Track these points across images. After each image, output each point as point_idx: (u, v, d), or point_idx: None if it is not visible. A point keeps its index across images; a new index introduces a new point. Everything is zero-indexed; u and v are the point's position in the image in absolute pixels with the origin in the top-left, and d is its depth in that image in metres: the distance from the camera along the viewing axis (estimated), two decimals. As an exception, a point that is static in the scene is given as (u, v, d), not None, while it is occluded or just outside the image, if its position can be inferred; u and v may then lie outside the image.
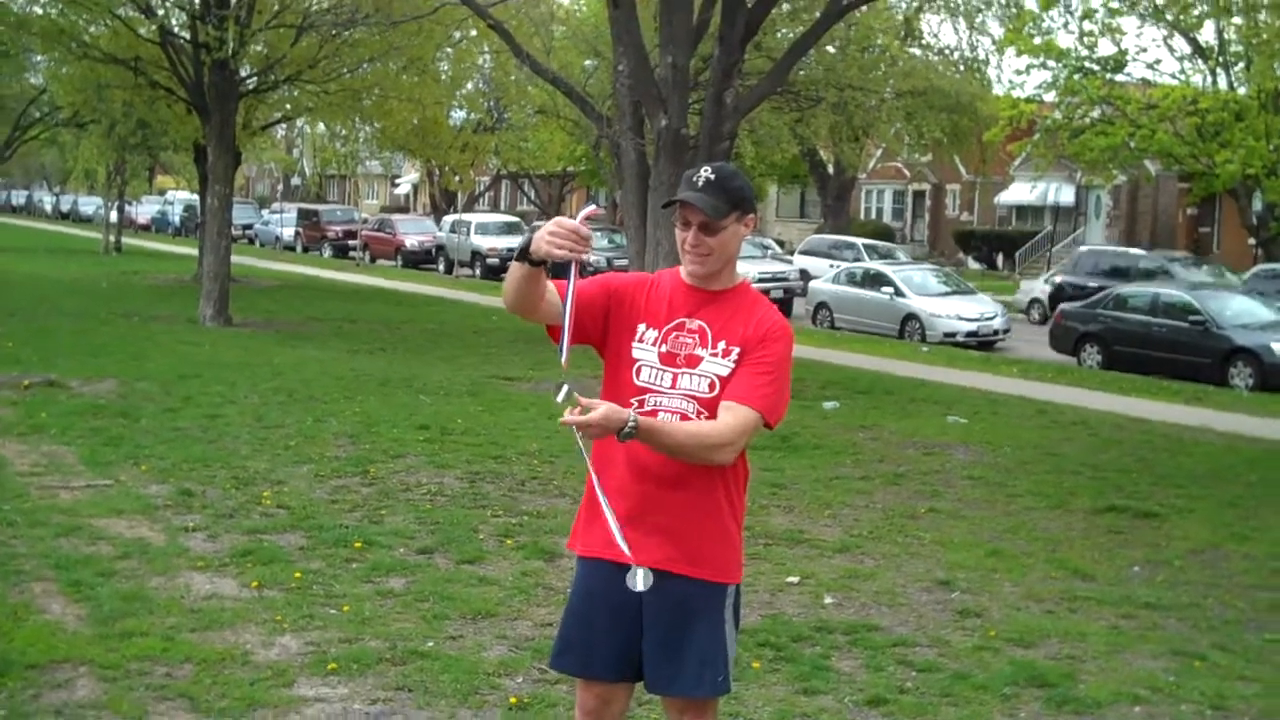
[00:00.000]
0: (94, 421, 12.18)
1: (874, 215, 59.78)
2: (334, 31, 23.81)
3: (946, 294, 27.84)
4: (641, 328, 3.93)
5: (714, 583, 3.94)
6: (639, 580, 3.73)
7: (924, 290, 27.71)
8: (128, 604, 6.84)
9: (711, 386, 3.84)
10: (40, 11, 24.83)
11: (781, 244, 47.49)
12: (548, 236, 3.63)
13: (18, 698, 5.57)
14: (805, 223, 59.67)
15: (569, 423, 3.57)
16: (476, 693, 5.92)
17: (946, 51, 33.89)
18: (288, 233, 55.08)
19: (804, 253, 38.10)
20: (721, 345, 3.86)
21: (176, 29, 24.12)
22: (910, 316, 26.98)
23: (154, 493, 9.49)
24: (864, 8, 21.81)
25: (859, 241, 38.21)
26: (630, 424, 3.62)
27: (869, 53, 25.81)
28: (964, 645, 6.96)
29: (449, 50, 29.30)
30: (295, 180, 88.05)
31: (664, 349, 3.90)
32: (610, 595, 3.92)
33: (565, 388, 3.59)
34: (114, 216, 48.21)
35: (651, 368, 3.90)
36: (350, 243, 49.06)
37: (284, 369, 16.53)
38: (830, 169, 44.18)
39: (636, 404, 3.85)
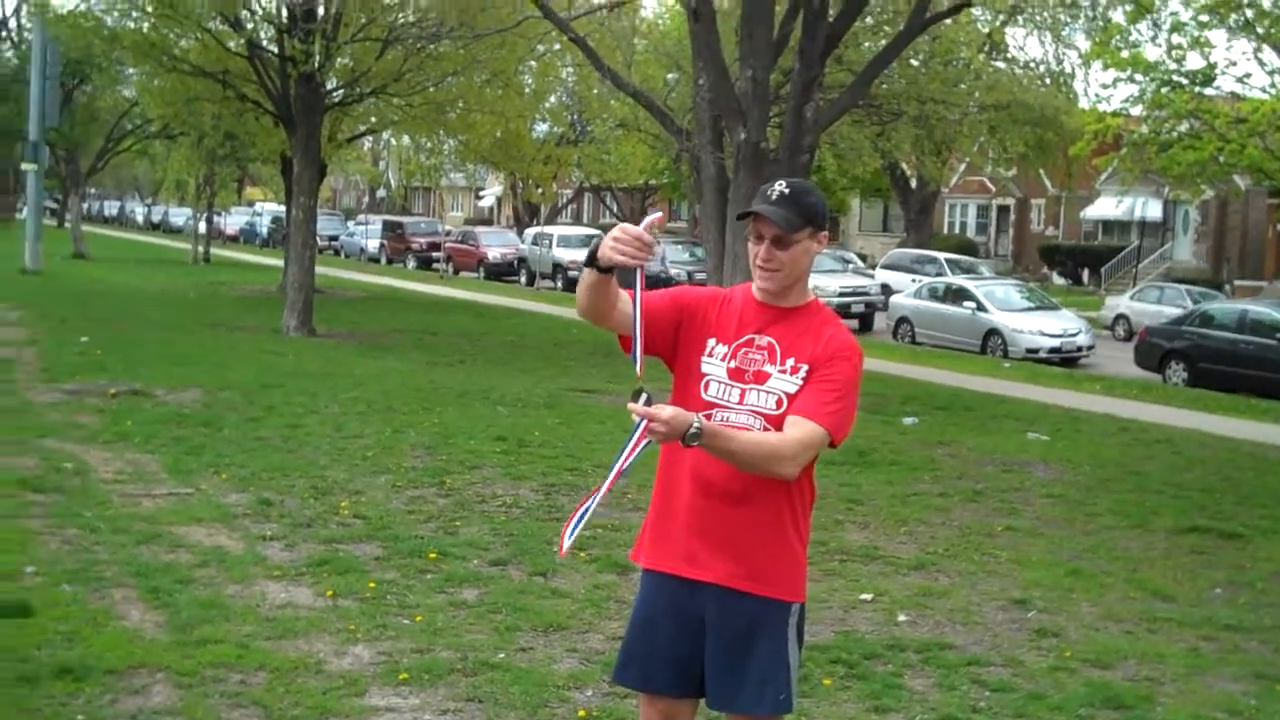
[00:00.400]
0: (177, 430, 12.36)
1: (957, 230, 59.34)
2: (419, 45, 24.03)
3: (1030, 309, 27.60)
4: (711, 342, 3.92)
5: (777, 600, 3.90)
6: (642, 399, 3.54)
7: (1007, 305, 27.49)
8: (205, 611, 6.93)
9: (779, 403, 3.82)
10: (132, 26, 25.21)
11: (864, 258, 47.26)
12: (611, 242, 3.63)
13: (95, 703, 5.65)
14: (888, 237, 59.38)
15: (637, 411, 3.55)
16: (546, 705, 5.93)
17: (1032, 65, 33.56)
18: (372, 244, 55.63)
19: (886, 267, 37.92)
20: (790, 362, 3.85)
21: (264, 43, 24.44)
22: (992, 332, 26.78)
23: (233, 501, 9.61)
24: (948, 21, 21.67)
25: (941, 256, 37.97)
26: (695, 426, 3.58)
27: (952, 66, 25.60)
28: (1039, 665, 6.88)
29: (532, 64, 29.46)
30: (381, 192, 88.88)
31: (733, 364, 3.88)
32: (674, 609, 3.92)
33: (644, 395, 3.58)
34: (202, 227, 48.91)
35: (720, 383, 3.88)
36: (434, 254, 49.46)
37: (365, 380, 16.68)
38: (913, 183, 43.95)
39: (704, 418, 3.78)
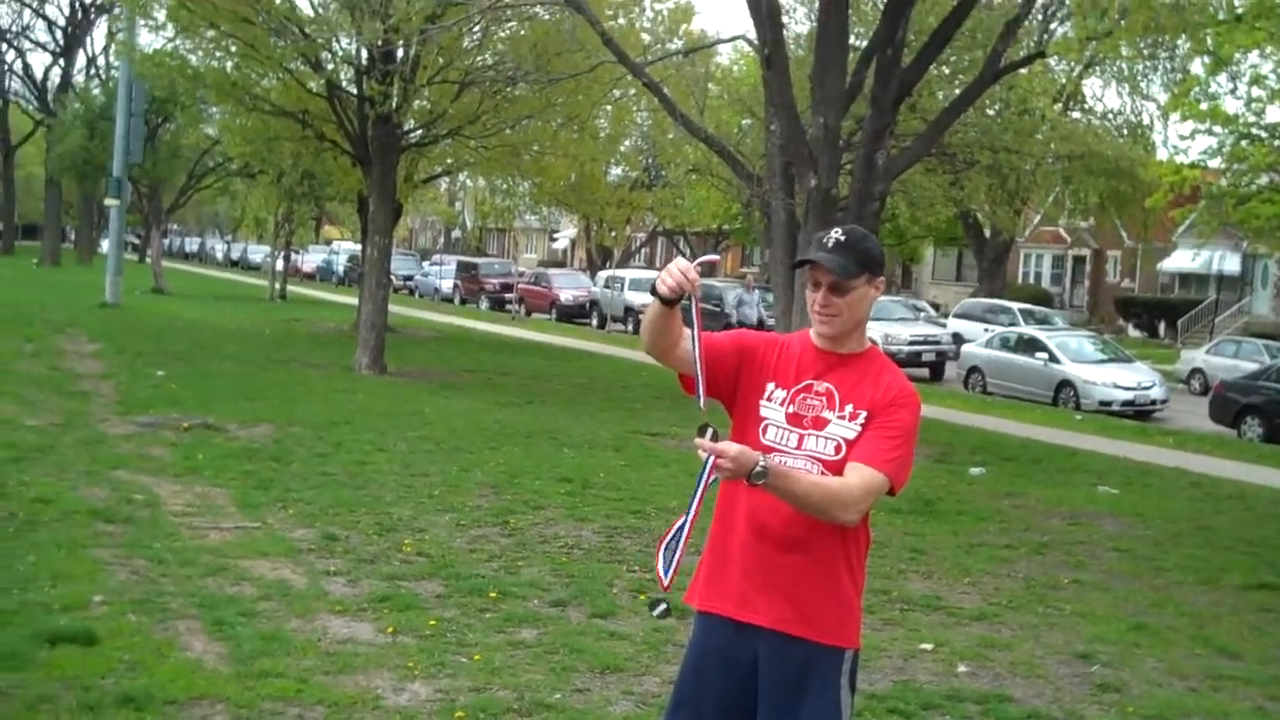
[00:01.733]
0: (247, 465, 12.51)
1: (1032, 280, 58.96)
2: (495, 88, 24.28)
3: (1103, 361, 27.35)
4: (770, 387, 3.93)
5: (830, 646, 3.88)
6: (658, 609, 3.71)
7: (1079, 357, 27.25)
8: (266, 644, 7.00)
9: (837, 449, 3.82)
10: (215, 65, 25.67)
11: (937, 307, 47.07)
12: (662, 276, 3.71)
13: (154, 731, 5.73)
14: (961, 286, 59.08)
15: (704, 446, 3.57)
16: (599, 747, 5.94)
17: (1109, 116, 33.43)
18: (446, 284, 56.06)
19: (959, 316, 37.75)
20: (849, 409, 3.86)
21: (343, 84, 24.79)
22: (1065, 383, 26.55)
23: (299, 536, 9.71)
24: (1022, 70, 21.63)
25: (1014, 306, 37.74)
26: (760, 465, 3.59)
27: (1027, 116, 25.51)
28: (1100, 721, 6.81)
29: (607, 108, 29.68)
30: (456, 233, 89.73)
31: (791, 410, 3.89)
32: (725, 652, 3.91)
33: (710, 429, 3.59)
34: (280, 265, 49.53)
35: (778, 428, 3.89)
36: (507, 295, 49.77)
37: (433, 418, 16.80)
38: (987, 232, 43.75)
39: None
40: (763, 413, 3.92)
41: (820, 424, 3.86)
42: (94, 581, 8.00)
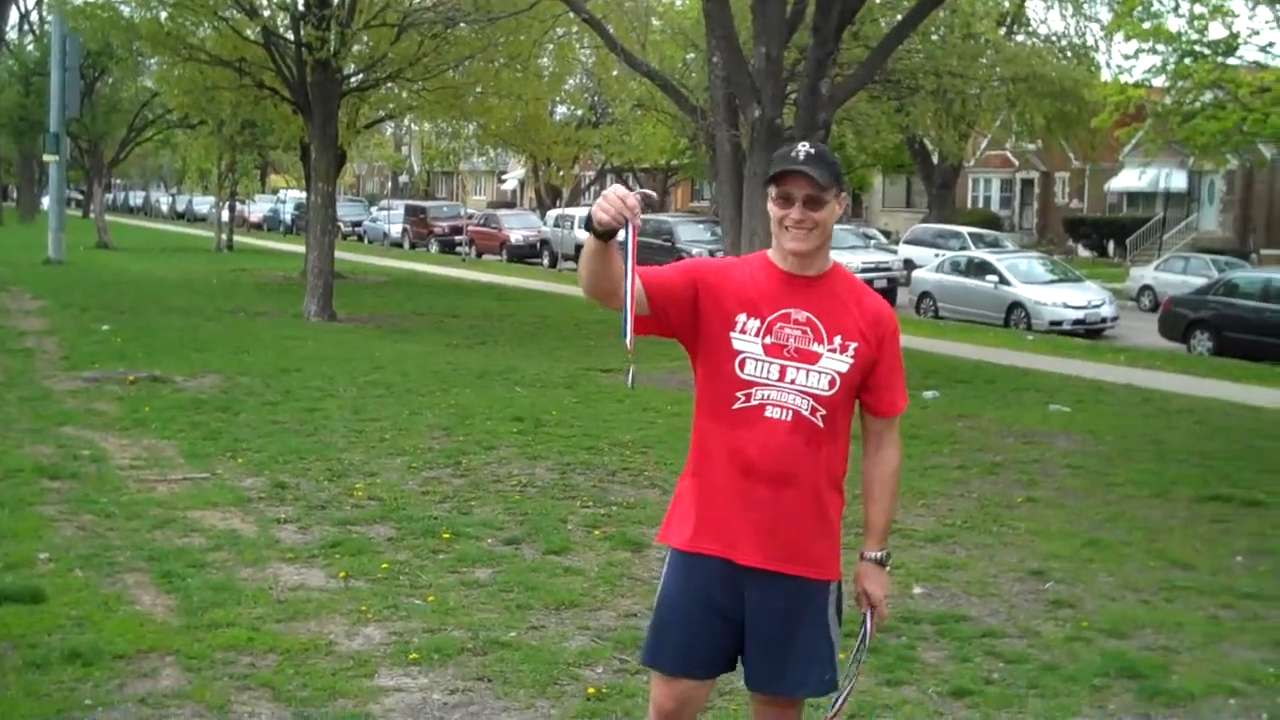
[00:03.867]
0: (195, 416, 12.38)
1: (981, 204, 59.06)
2: (434, 29, 23.98)
3: (1053, 282, 27.48)
4: (742, 318, 3.80)
5: (819, 580, 3.86)
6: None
7: (1030, 278, 27.37)
8: (216, 595, 6.92)
9: (831, 384, 3.77)
10: (149, 16, 25.22)
11: (888, 234, 47.12)
12: (600, 202, 3.59)
13: (103, 687, 5.65)
14: (911, 212, 59.17)
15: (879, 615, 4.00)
16: (555, 683, 5.91)
17: (1053, 38, 33.39)
18: (395, 229, 55.67)
19: (909, 242, 37.81)
20: (838, 340, 3.80)
21: (280, 30, 24.41)
22: (1015, 305, 26.67)
23: (249, 485, 9.62)
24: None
25: (964, 230, 37.83)
26: (881, 554, 4.00)
27: (971, 40, 25.43)
28: (1055, 636, 6.83)
29: (550, 46, 29.39)
30: (403, 177, 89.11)
31: (769, 340, 3.78)
32: (714, 593, 3.84)
33: (632, 371, 3.57)
34: (225, 215, 49.01)
35: (756, 360, 3.78)
36: (456, 238, 49.47)
37: (383, 363, 16.69)
38: (935, 158, 43.76)
39: (743, 397, 3.78)
40: (736, 345, 3.80)
41: (810, 357, 3.77)
42: (40, 539, 7.90)
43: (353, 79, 25.55)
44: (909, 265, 33.10)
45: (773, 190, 3.79)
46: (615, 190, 3.58)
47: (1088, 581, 7.89)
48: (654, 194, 4.32)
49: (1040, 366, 19.28)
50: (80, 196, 78.22)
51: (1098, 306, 26.37)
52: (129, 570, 7.36)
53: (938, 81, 24.35)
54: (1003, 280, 27.14)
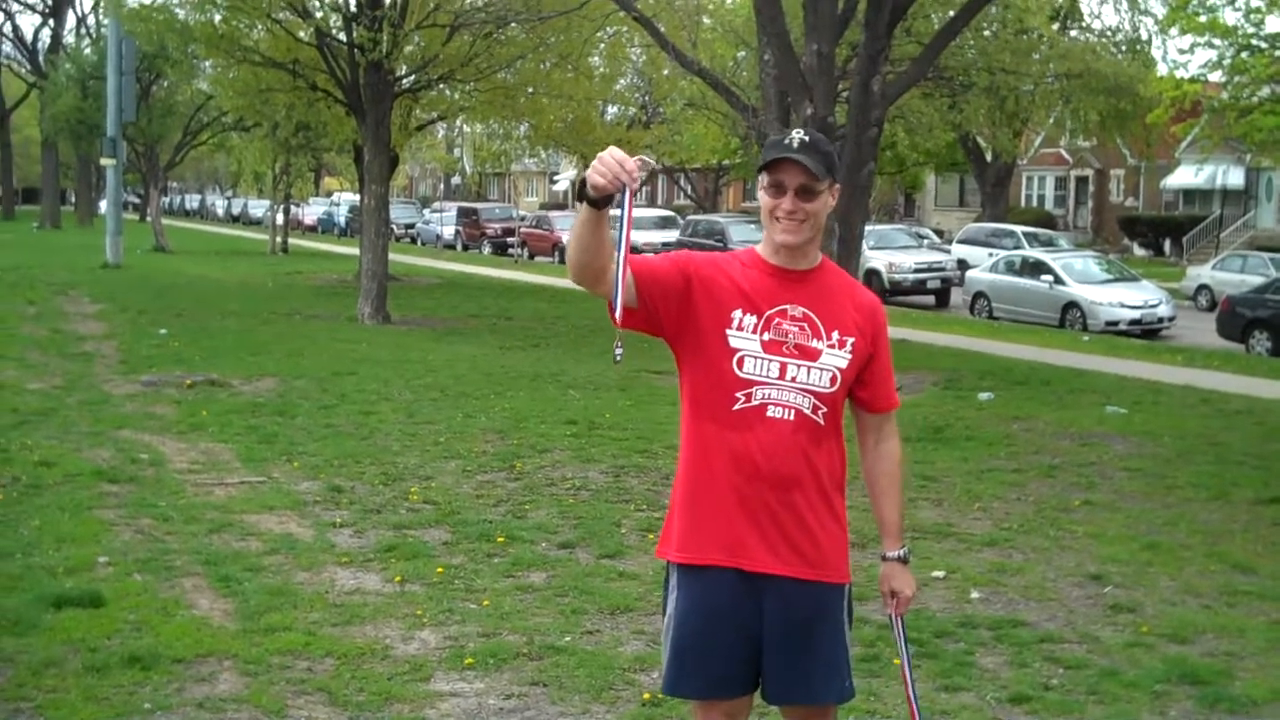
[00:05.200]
0: (252, 419, 12.46)
1: (1035, 202, 58.64)
2: (486, 30, 24.03)
3: (1109, 281, 27.23)
4: (738, 314, 3.66)
5: (833, 584, 3.75)
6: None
7: (1085, 278, 27.13)
8: (273, 599, 6.97)
9: (833, 380, 3.68)
10: (204, 18, 25.41)
11: (940, 233, 46.87)
12: (595, 164, 3.37)
13: (162, 690, 5.69)
14: (964, 211, 58.86)
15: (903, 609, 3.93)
16: (610, 688, 5.90)
17: (1107, 33, 33.09)
18: (448, 231, 55.88)
19: (962, 241, 37.56)
20: (835, 335, 3.70)
21: (333, 31, 24.54)
22: (1071, 305, 26.45)
23: (305, 489, 9.67)
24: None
25: (1018, 229, 37.53)
26: (903, 552, 3.90)
27: (1024, 36, 25.24)
28: (1115, 641, 6.75)
29: (601, 46, 29.40)
30: (456, 179, 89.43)
31: (766, 336, 3.66)
32: (729, 606, 3.69)
33: (620, 349, 3.47)
34: (280, 218, 49.36)
35: (755, 357, 3.65)
36: (509, 240, 49.60)
37: (437, 366, 16.74)
38: (988, 156, 43.48)
39: (743, 397, 3.65)
40: (734, 343, 3.66)
41: (811, 354, 3.67)
42: (99, 543, 7.96)
43: (405, 80, 25.65)
44: (962, 265, 32.88)
45: (764, 179, 3.67)
46: (613, 152, 3.39)
47: (1148, 586, 7.80)
48: (654, 160, 4.17)
49: (1096, 367, 19.10)
50: (137, 200, 79.13)
51: (1154, 306, 26.11)
52: (187, 574, 7.42)
53: (991, 78, 24.20)
54: (1058, 280, 26.93)
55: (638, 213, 46.58)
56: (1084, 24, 37.13)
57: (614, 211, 3.51)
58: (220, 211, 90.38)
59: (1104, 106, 34.38)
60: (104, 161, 37.97)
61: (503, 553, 8.05)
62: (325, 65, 24.12)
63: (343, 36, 24.13)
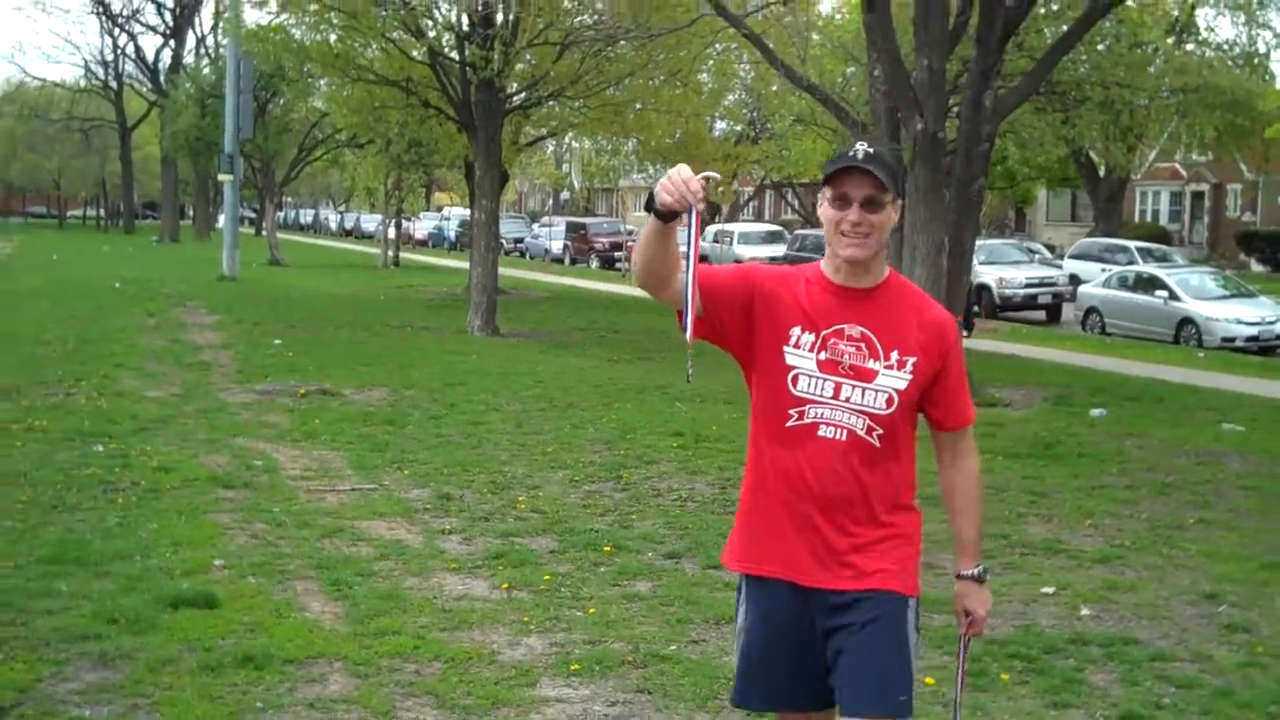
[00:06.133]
0: (363, 428, 12.66)
1: (1149, 218, 57.68)
2: (595, 47, 24.18)
3: (1225, 297, 26.71)
4: (796, 331, 3.62)
5: (892, 593, 3.63)
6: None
7: (1201, 294, 26.65)
8: (383, 603, 7.07)
9: (889, 402, 3.59)
10: (319, 38, 25.83)
11: (1051, 248, 46.26)
12: (663, 181, 3.37)
13: (274, 690, 5.80)
14: (1076, 226, 58.03)
15: (977, 629, 3.87)
16: (716, 697, 5.91)
17: (1224, 47, 32.47)
18: (556, 245, 56.23)
19: (1074, 257, 36.97)
20: (895, 356, 3.61)
21: (445, 50, 24.84)
22: (1186, 321, 25.98)
23: (415, 496, 9.80)
24: (1131, 3, 21.08)
25: (1132, 244, 36.89)
26: (981, 570, 3.82)
27: (1139, 50, 24.84)
28: (1229, 661, 6.64)
29: (709, 62, 29.44)
30: (564, 194, 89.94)
31: (823, 356, 3.60)
32: (787, 616, 3.67)
33: (691, 364, 3.49)
34: (392, 233, 49.98)
35: (810, 376, 3.60)
36: (616, 254, 49.78)
37: (545, 377, 16.87)
38: (1101, 171, 42.84)
39: (796, 415, 3.62)
40: (789, 360, 3.62)
41: (866, 375, 3.59)
42: (214, 546, 8.14)
43: (515, 98, 25.87)
44: (1074, 280, 32.41)
45: (828, 192, 3.60)
46: (680, 171, 3.38)
47: (1263, 606, 7.65)
48: (719, 176, 4.12)
49: (1212, 384, 18.76)
50: (253, 215, 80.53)
51: (1272, 323, 25.56)
52: (299, 578, 7.55)
53: (1105, 93, 23.81)
54: (1173, 296, 26.48)
55: (746, 227, 46.59)
56: (1200, 38, 36.47)
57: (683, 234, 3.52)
58: (333, 226, 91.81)
59: (1221, 121, 33.68)
60: (221, 177, 38.74)
61: (609, 562, 8.10)
62: (438, 83, 24.42)
63: (455, 55, 24.42)
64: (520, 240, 61.70)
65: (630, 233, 52.61)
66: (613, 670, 6.20)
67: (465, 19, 23.59)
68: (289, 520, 8.88)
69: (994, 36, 16.02)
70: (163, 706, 5.59)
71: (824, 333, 3.61)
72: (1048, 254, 40.95)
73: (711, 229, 47.43)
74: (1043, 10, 21.22)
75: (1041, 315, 31.70)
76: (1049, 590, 7.81)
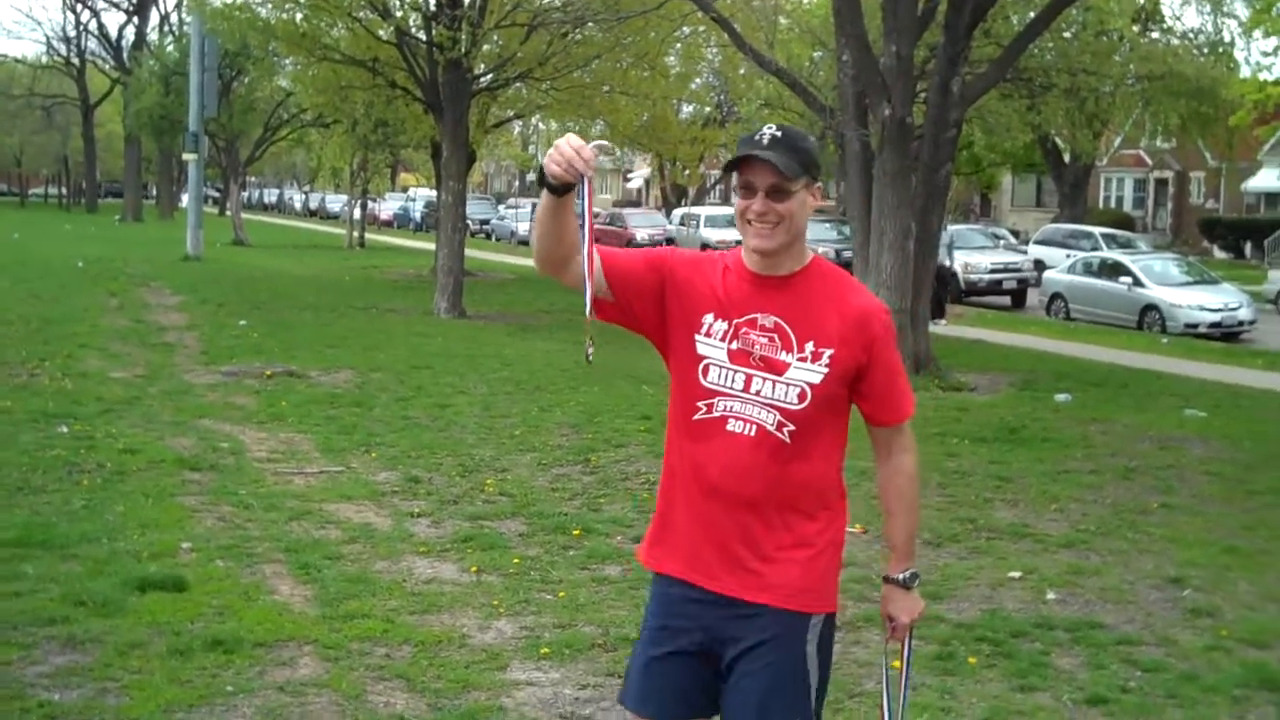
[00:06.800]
0: (330, 410, 12.62)
1: (1113, 204, 58.01)
2: (563, 29, 24.13)
3: (1188, 283, 26.91)
4: (709, 319, 3.40)
5: (794, 612, 3.36)
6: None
7: (1164, 280, 26.84)
8: (352, 586, 7.07)
9: (801, 396, 3.32)
10: (285, 17, 25.69)
11: (1016, 234, 46.47)
12: (551, 152, 3.18)
13: (244, 674, 5.79)
14: (1041, 212, 58.33)
15: (900, 636, 3.59)
16: (686, 680, 5.92)
17: (1189, 35, 32.68)
18: (523, 227, 56.11)
19: (1039, 242, 37.19)
20: (810, 347, 3.34)
21: (412, 30, 24.73)
22: (1149, 307, 26.16)
23: (383, 479, 9.79)
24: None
25: (1096, 230, 37.13)
26: (907, 574, 3.54)
27: (1105, 37, 24.97)
28: (1193, 645, 6.70)
29: (677, 45, 29.42)
30: (531, 176, 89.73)
31: (734, 346, 3.36)
32: (682, 622, 3.41)
33: (592, 347, 3.30)
34: (357, 213, 49.80)
35: (720, 367, 3.37)
36: (582, 236, 49.71)
37: (513, 360, 16.86)
38: (1066, 157, 43.09)
39: (705, 407, 3.38)
40: (700, 349, 3.39)
41: (778, 367, 3.33)
42: (182, 529, 8.11)
43: (483, 79, 25.80)
44: (1039, 266, 32.60)
45: (734, 179, 3.36)
46: (569, 140, 3.18)
47: (1227, 590, 7.73)
48: (610, 145, 3.93)
49: (1175, 370, 18.90)
50: (217, 194, 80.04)
51: (1235, 309, 25.77)
52: (268, 561, 7.53)
53: (1071, 79, 23.93)
54: (1137, 282, 26.65)
55: (713, 210, 46.42)
56: (1166, 26, 36.67)
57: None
58: (298, 206, 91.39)
59: (1185, 109, 33.95)
60: (186, 156, 38.54)
61: (578, 545, 8.11)
62: (404, 63, 24.32)
63: (422, 35, 24.33)
64: (486, 222, 61.57)
65: (597, 214, 52.57)
66: (583, 654, 6.21)
67: (432, 0, 23.51)
68: (256, 503, 8.85)
69: (962, 23, 16.09)
70: (132, 690, 5.57)
71: (736, 321, 3.38)
72: (1012, 239, 41.14)
73: (678, 212, 47.46)
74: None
75: (1006, 300, 31.85)
76: (1015, 575, 7.86)
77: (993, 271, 31.74)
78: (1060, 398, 15.30)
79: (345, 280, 31.32)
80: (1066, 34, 24.43)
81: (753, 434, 3.34)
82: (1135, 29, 27.99)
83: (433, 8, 23.54)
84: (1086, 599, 7.47)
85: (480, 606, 6.86)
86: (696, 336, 3.40)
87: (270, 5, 26.30)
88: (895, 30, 15.93)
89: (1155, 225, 56.42)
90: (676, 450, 3.46)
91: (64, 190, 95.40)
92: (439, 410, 12.83)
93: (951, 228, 31.68)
